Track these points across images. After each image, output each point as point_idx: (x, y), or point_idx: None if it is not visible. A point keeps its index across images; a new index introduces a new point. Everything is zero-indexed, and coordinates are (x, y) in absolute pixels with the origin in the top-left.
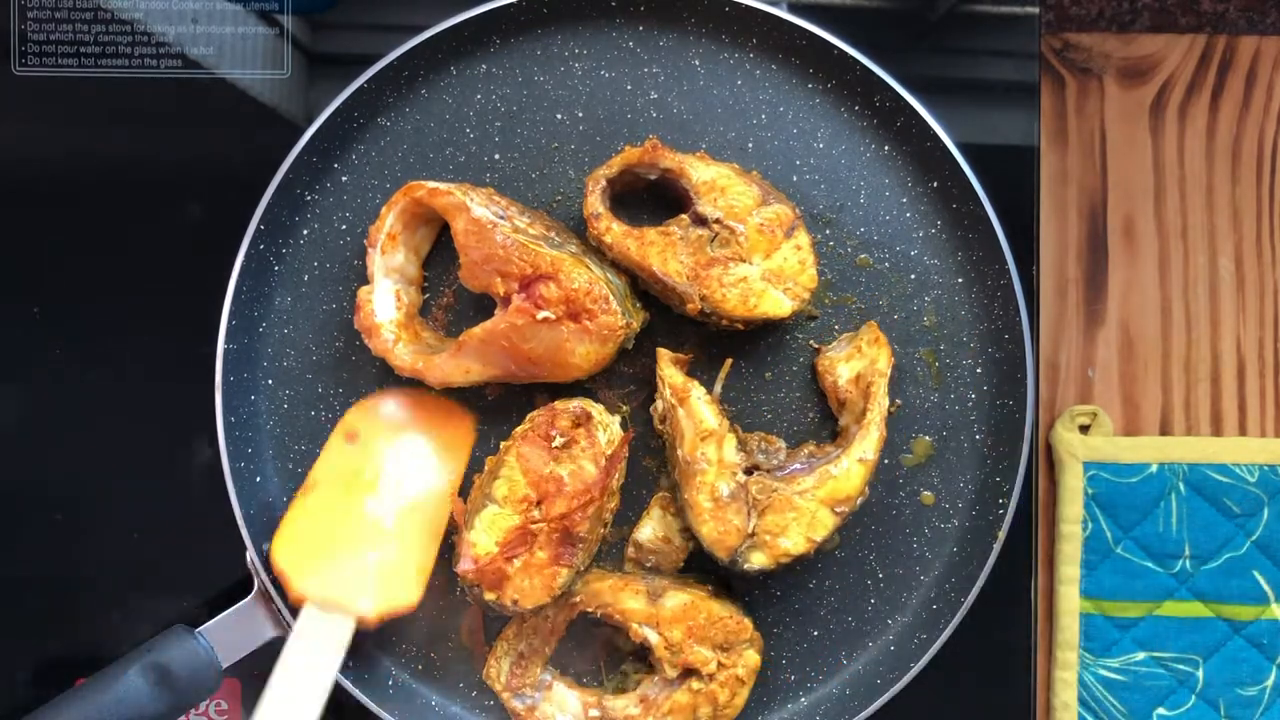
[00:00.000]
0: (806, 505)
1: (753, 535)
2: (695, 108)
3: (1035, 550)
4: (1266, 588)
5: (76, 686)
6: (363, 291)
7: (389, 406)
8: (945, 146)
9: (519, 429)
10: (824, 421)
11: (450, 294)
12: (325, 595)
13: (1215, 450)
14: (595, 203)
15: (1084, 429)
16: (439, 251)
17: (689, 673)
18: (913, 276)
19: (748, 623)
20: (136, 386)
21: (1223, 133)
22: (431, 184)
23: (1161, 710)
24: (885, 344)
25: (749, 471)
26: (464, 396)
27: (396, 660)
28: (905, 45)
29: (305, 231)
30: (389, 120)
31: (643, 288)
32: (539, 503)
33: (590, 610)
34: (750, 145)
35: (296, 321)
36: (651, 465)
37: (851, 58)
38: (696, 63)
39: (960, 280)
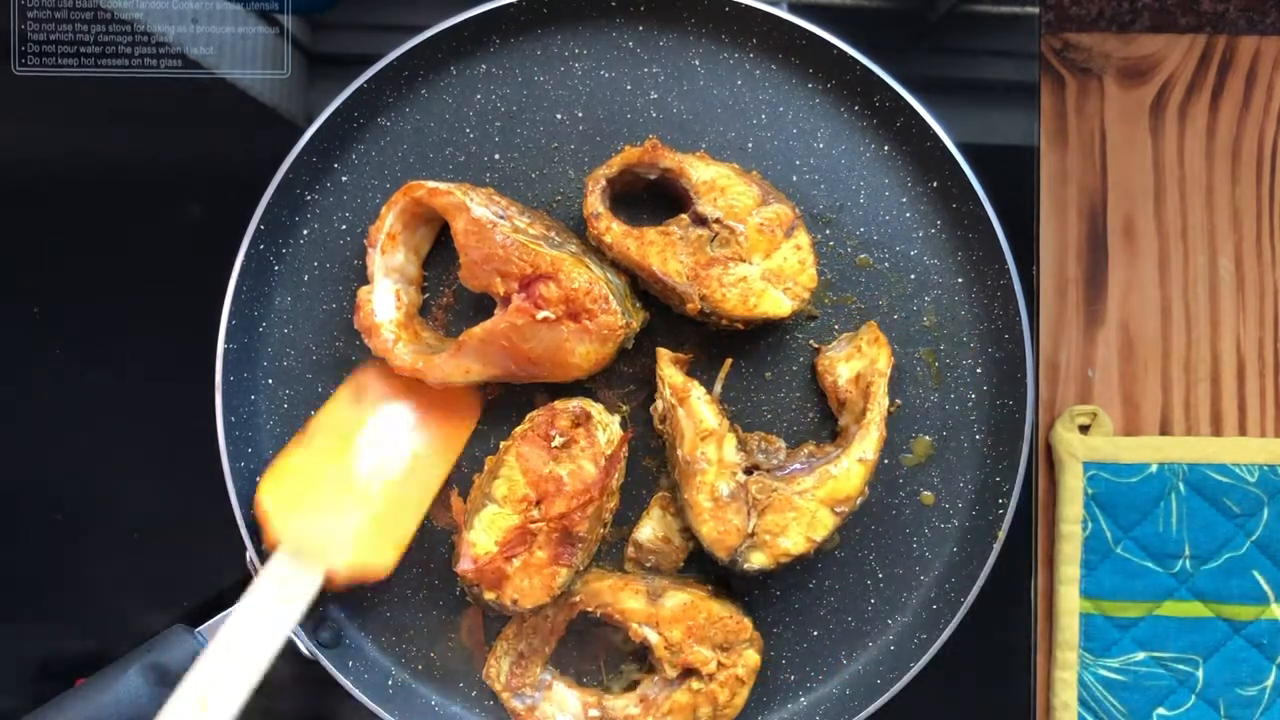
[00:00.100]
0: (806, 505)
1: (753, 535)
2: (695, 108)
3: (1035, 550)
4: (1266, 588)
5: (76, 686)
6: (363, 291)
7: (402, 374)
8: (945, 146)
9: (519, 429)
10: (824, 421)
11: (450, 294)
12: (301, 544)
13: (1215, 450)
14: (595, 202)
15: (1084, 429)
16: (439, 251)
17: (689, 673)
18: (913, 276)
19: (748, 623)
20: (136, 386)
21: (1223, 133)
22: (431, 184)
23: (1161, 710)
24: (885, 344)
25: (749, 471)
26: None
27: (396, 660)
28: (905, 45)
29: (305, 231)
30: (389, 120)
31: (642, 287)
32: (538, 502)
33: (590, 610)
34: (750, 145)
35: (296, 321)
36: (651, 465)
37: (851, 58)
38: (696, 63)
39: (960, 280)
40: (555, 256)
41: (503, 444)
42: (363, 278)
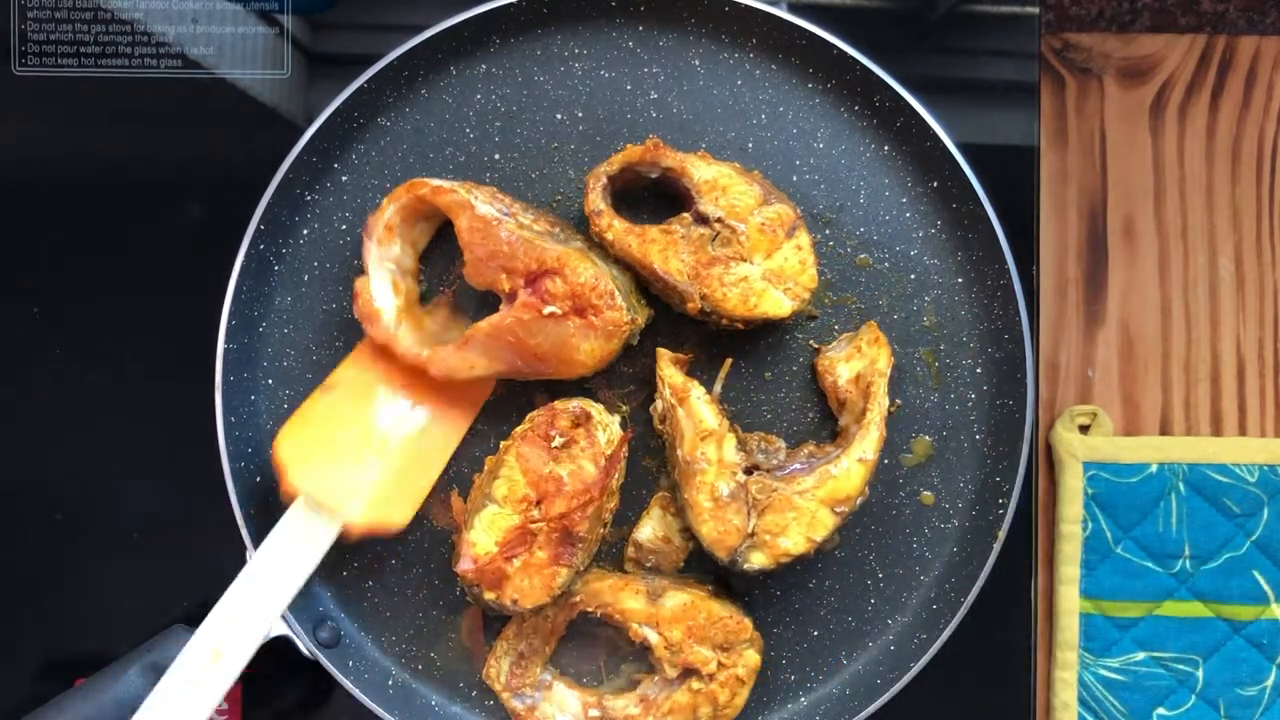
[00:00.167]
0: (806, 505)
1: (753, 535)
2: (695, 108)
3: (1035, 550)
4: (1266, 588)
5: (76, 686)
6: (360, 281)
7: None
8: (945, 146)
9: (519, 429)
10: (824, 421)
11: (450, 294)
12: (319, 493)
13: (1215, 450)
14: (596, 199)
15: (1084, 429)
16: (438, 251)
17: (689, 673)
18: (913, 276)
19: (748, 623)
20: (136, 386)
21: (1223, 133)
22: (435, 181)
23: (1161, 710)
24: (885, 344)
25: (749, 471)
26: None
27: (396, 660)
28: (905, 45)
29: (305, 231)
30: (389, 120)
31: (643, 286)
32: (538, 502)
33: (590, 610)
34: (750, 145)
35: (296, 321)
36: (651, 465)
37: (851, 58)
38: (696, 63)
39: (960, 280)
40: (561, 252)
41: (503, 444)
42: None
